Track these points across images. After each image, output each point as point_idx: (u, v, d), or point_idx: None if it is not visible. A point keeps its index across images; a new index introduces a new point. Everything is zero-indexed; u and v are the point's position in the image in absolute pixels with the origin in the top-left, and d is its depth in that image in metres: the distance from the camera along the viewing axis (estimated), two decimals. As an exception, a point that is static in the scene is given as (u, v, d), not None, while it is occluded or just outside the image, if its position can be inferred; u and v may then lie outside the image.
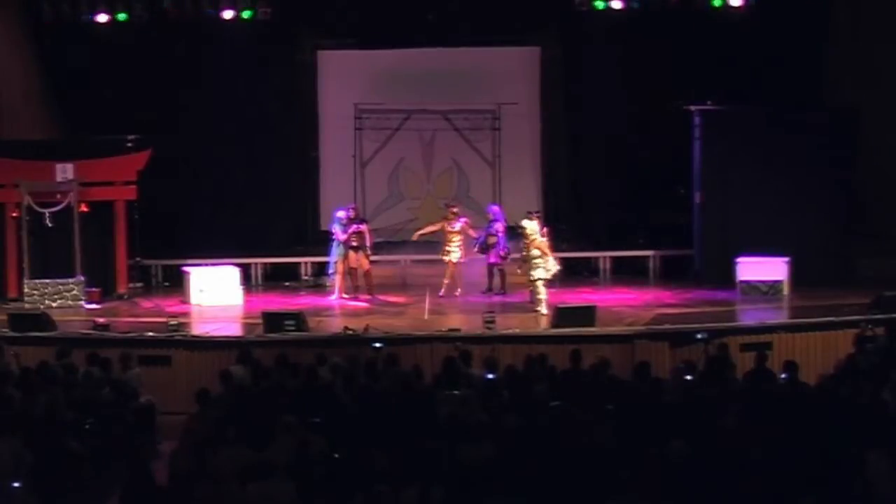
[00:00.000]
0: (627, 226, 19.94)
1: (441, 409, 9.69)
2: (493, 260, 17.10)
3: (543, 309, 15.55)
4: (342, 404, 10.11)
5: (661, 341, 13.85)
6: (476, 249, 17.11)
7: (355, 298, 17.14)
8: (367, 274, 17.19)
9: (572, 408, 9.41)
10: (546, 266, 15.70)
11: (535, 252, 15.65)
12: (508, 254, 16.86)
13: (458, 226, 17.03)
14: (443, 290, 17.01)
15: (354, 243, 16.97)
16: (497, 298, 16.99)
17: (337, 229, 17.01)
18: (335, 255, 17.09)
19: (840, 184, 18.03)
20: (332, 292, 17.22)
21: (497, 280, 17.27)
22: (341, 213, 17.22)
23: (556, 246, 16.73)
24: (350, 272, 17.11)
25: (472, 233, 17.17)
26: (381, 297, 17.18)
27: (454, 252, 16.97)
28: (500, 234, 16.98)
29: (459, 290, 17.09)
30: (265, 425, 9.02)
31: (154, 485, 7.91)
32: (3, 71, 18.86)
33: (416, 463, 8.03)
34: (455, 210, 17.28)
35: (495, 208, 17.60)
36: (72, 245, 17.16)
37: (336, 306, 16.84)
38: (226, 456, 8.38)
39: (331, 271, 17.45)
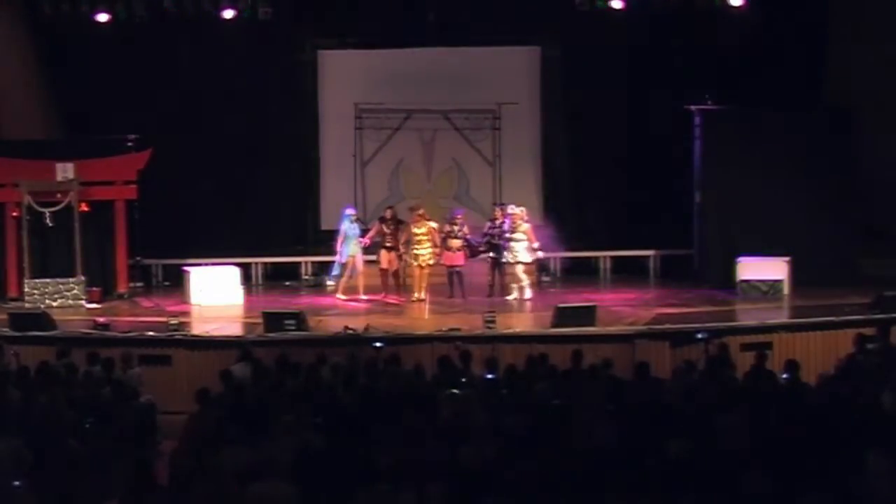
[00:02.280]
0: (627, 226, 19.93)
1: (441, 409, 9.69)
2: (454, 262, 16.94)
3: (527, 292, 16.47)
4: (342, 404, 10.10)
5: (661, 341, 13.86)
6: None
7: (354, 299, 17.09)
8: (395, 273, 17.07)
9: (573, 408, 9.41)
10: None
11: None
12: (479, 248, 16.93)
13: (424, 228, 16.76)
14: (422, 295, 16.74)
15: (389, 244, 16.86)
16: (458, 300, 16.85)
17: (355, 229, 16.81)
18: (347, 255, 16.94)
19: (840, 183, 18.04)
20: (356, 292, 17.03)
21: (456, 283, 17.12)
22: (351, 211, 17.13)
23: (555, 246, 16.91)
24: (382, 273, 16.99)
25: (436, 237, 16.89)
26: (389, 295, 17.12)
27: (423, 255, 16.70)
28: (469, 237, 16.92)
29: (416, 294, 16.80)
30: (265, 425, 9.01)
31: (155, 485, 7.91)
32: (3, 71, 18.86)
33: (416, 463, 8.02)
34: (420, 212, 16.98)
35: (461, 213, 17.50)
36: (72, 245, 17.17)
37: (339, 305, 16.72)
38: (226, 456, 8.38)
39: (335, 273, 17.34)
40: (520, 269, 16.65)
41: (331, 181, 20.99)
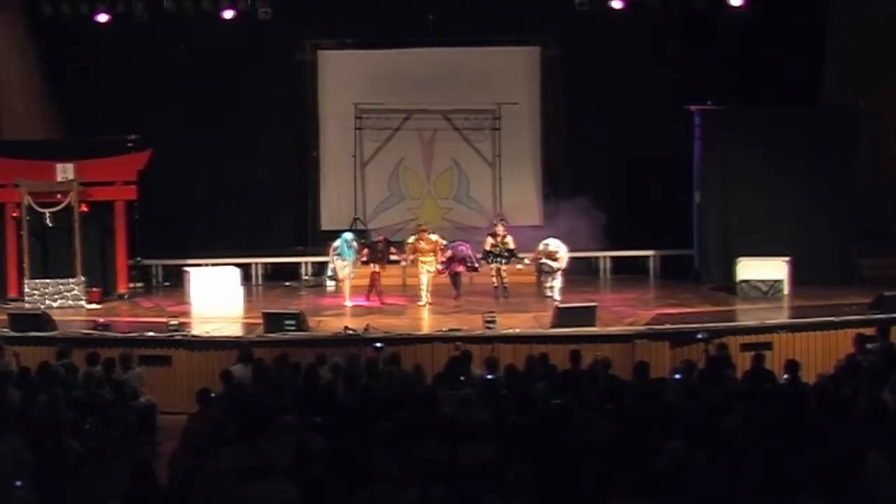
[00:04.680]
0: (627, 226, 19.93)
1: (441, 409, 9.69)
2: (454, 269, 16.94)
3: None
4: (342, 404, 10.10)
5: (661, 341, 13.85)
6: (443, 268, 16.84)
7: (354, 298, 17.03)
8: (379, 276, 16.98)
9: (573, 407, 9.41)
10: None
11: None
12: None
13: (430, 245, 16.61)
14: (426, 299, 16.58)
15: (380, 258, 16.77)
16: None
17: (350, 253, 16.65)
18: (345, 260, 16.74)
19: (840, 183, 18.04)
20: (343, 297, 16.84)
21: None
22: (349, 236, 16.98)
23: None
24: (373, 276, 16.80)
25: (440, 254, 16.73)
26: (382, 298, 17.07)
27: (428, 261, 16.59)
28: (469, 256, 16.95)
29: (423, 299, 16.58)
30: (265, 425, 9.01)
31: (155, 485, 7.90)
32: (3, 71, 18.88)
33: (417, 463, 8.02)
34: (424, 229, 16.87)
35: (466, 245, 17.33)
36: (72, 245, 17.17)
37: (347, 307, 16.52)
38: (226, 456, 8.38)
39: (331, 276, 17.23)
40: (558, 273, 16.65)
41: (331, 181, 21.01)
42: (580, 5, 19.24)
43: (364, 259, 16.86)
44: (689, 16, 19.29)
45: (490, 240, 16.96)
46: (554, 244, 16.66)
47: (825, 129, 18.06)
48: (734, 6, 19.00)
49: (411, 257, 16.83)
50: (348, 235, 17.13)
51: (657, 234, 19.46)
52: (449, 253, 16.77)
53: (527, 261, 16.89)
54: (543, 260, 16.61)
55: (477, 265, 16.93)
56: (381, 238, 17.44)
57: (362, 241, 17.66)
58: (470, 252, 16.88)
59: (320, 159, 21.13)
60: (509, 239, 16.89)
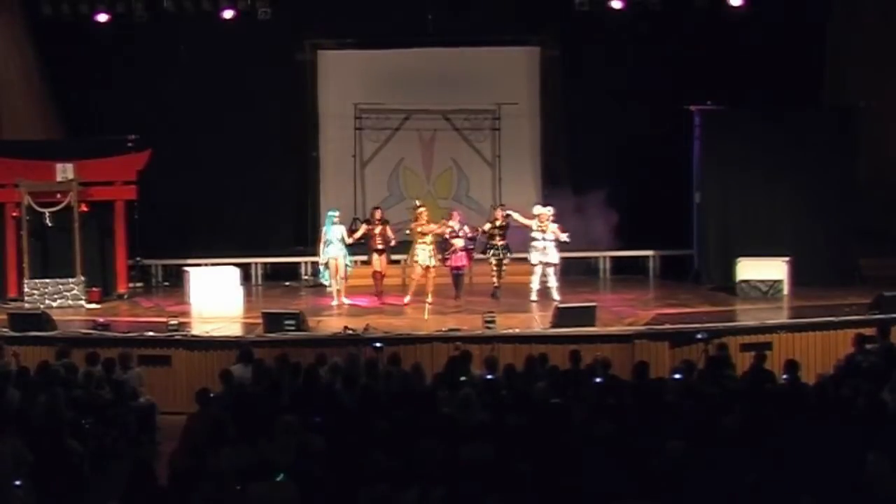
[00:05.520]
0: (627, 226, 19.91)
1: (441, 409, 9.69)
2: (458, 264, 16.90)
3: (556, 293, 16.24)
4: (342, 404, 10.10)
5: (661, 341, 13.85)
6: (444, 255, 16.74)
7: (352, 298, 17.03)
8: (382, 276, 16.95)
9: (572, 407, 9.41)
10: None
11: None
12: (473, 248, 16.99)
13: (428, 230, 16.47)
14: (430, 298, 16.36)
15: (380, 245, 16.64)
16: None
17: (337, 231, 16.76)
18: (327, 256, 16.69)
19: (840, 183, 18.04)
20: (340, 296, 16.73)
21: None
22: (333, 213, 16.94)
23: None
24: (375, 275, 16.77)
25: (441, 230, 16.59)
26: (383, 298, 17.07)
27: (427, 256, 16.41)
28: (471, 235, 16.90)
29: (431, 297, 16.39)
30: (265, 425, 9.01)
31: (155, 485, 7.91)
32: (3, 71, 18.88)
33: (417, 463, 8.02)
34: (424, 210, 16.65)
35: (458, 212, 17.40)
36: (72, 245, 17.17)
37: (345, 306, 16.51)
38: (226, 456, 8.38)
39: (322, 279, 17.13)
40: (550, 270, 16.50)
41: (331, 181, 21.01)
42: (580, 5, 19.22)
43: (361, 234, 16.69)
44: (689, 16, 19.27)
45: (488, 224, 16.99)
46: (545, 210, 16.63)
47: (825, 129, 18.06)
48: (734, 6, 18.98)
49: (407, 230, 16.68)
50: (331, 212, 17.05)
51: (657, 234, 19.42)
52: (449, 228, 16.69)
53: (515, 214, 16.81)
54: (536, 260, 16.49)
55: (473, 238, 16.84)
56: (375, 209, 17.25)
57: (356, 217, 17.55)
58: (466, 227, 16.82)
59: (320, 159, 21.11)
60: (506, 223, 16.86)
